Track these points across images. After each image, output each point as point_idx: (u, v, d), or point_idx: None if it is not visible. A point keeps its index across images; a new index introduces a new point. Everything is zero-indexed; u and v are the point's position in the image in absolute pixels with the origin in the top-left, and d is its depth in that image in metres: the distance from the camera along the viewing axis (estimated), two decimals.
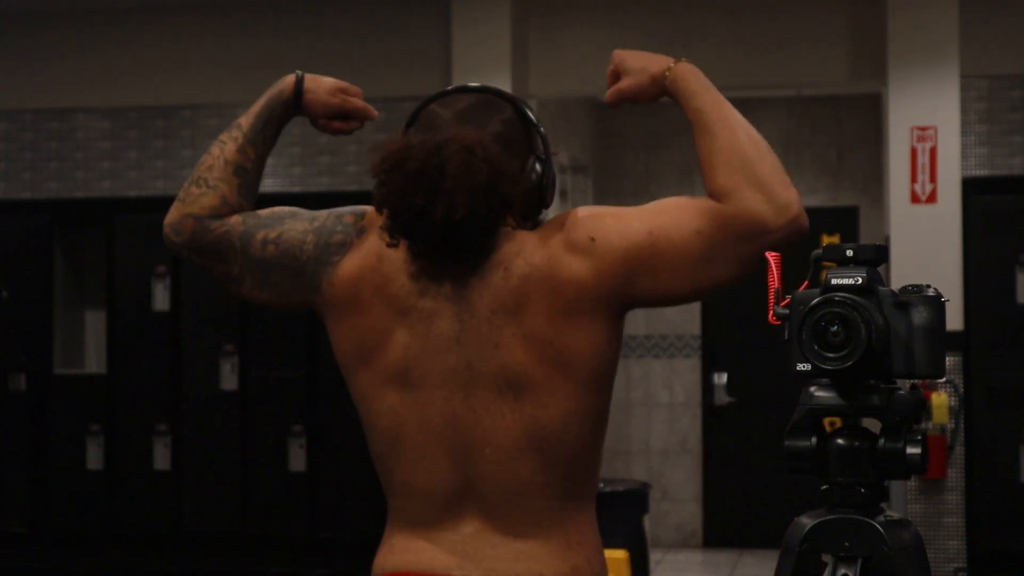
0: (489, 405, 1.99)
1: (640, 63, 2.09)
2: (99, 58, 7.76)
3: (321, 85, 2.18)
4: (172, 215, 2.12)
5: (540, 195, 2.09)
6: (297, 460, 7.37)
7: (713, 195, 1.96)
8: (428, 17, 7.41)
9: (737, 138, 1.97)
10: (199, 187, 2.11)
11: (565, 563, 2.01)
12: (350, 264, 2.05)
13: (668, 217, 1.96)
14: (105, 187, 7.74)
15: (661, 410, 9.25)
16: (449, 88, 2.14)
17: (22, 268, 7.70)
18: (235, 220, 2.10)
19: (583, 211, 2.02)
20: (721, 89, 2.03)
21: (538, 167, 2.08)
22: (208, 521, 7.48)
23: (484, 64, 7.05)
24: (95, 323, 7.98)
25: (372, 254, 2.04)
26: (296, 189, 7.53)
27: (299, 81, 2.18)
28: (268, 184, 7.50)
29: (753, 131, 2.00)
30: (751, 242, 1.92)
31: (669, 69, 2.06)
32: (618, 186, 9.33)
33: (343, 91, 2.20)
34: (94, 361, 7.97)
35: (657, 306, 2.04)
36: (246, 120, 2.16)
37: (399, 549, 2.04)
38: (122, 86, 7.73)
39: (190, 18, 7.70)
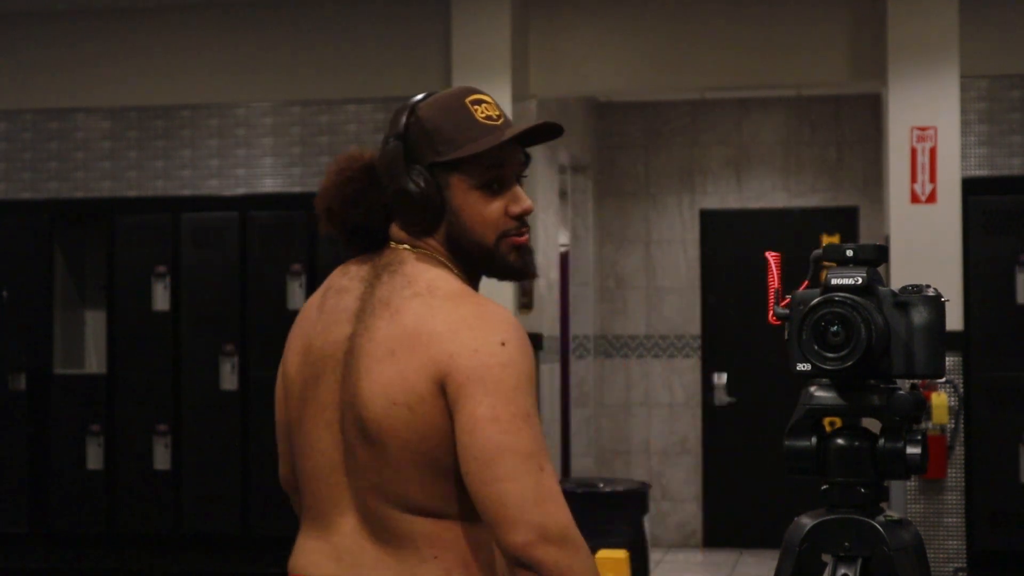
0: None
1: None
2: (99, 58, 7.75)
3: None
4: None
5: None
6: None
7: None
8: (428, 17, 7.40)
9: None
10: None
11: None
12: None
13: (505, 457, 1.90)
14: (105, 187, 7.73)
15: (661, 410, 9.24)
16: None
17: (22, 268, 7.69)
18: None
19: (454, 320, 2.00)
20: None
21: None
22: (208, 521, 7.47)
23: (484, 64, 7.04)
24: (95, 323, 7.98)
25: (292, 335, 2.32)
26: (296, 189, 7.52)
27: None
28: (268, 184, 7.49)
29: None
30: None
31: None
32: (618, 186, 9.32)
33: None
34: (94, 361, 7.97)
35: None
36: None
37: (297, 550, 2.13)
38: (122, 86, 7.73)
39: (190, 18, 7.70)
